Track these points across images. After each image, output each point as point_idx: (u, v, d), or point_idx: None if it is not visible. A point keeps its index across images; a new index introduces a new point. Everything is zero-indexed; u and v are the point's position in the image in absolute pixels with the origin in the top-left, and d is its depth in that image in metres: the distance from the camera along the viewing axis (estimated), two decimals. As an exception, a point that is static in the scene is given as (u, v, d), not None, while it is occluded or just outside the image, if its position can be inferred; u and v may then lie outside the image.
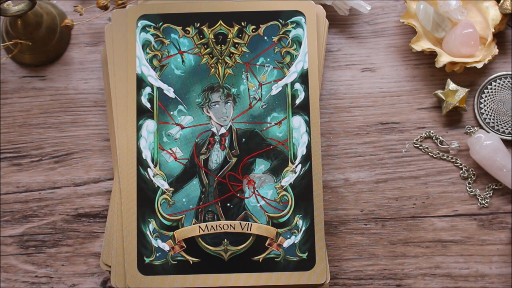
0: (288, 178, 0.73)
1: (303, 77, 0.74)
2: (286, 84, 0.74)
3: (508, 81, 0.79)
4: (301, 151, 0.73)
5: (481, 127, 0.78)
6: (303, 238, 0.72)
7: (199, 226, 0.72)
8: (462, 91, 0.77)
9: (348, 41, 0.81)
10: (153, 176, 0.72)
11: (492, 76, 0.79)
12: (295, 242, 0.72)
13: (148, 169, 0.73)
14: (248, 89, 0.74)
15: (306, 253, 0.71)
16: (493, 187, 0.77)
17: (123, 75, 0.74)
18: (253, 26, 0.75)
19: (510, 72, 0.79)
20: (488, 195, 0.77)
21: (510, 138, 0.78)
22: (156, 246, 0.71)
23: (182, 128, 0.73)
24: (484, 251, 0.76)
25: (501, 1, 0.78)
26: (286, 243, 0.72)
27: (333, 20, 0.81)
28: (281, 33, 0.75)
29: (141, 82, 0.74)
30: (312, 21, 0.75)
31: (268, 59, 0.75)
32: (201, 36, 0.75)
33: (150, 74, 0.74)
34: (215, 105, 0.74)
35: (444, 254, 0.76)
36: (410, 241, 0.76)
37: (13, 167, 0.78)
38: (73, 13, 0.81)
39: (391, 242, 0.76)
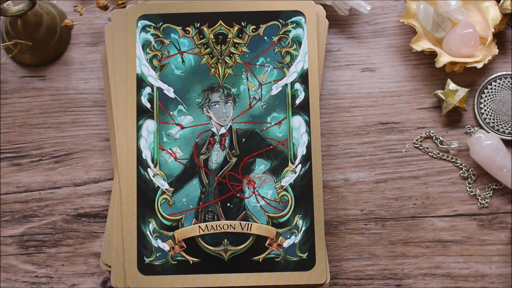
0: (288, 178, 0.73)
1: (303, 77, 0.74)
2: (286, 84, 0.74)
3: (508, 81, 0.79)
4: (301, 151, 0.73)
5: (481, 127, 0.78)
6: (303, 238, 0.72)
7: (199, 226, 0.72)
8: (462, 91, 0.77)
9: (348, 41, 0.81)
10: (153, 176, 0.72)
11: (492, 76, 0.79)
12: (295, 242, 0.72)
13: (148, 169, 0.73)
14: (248, 89, 0.74)
15: (306, 253, 0.71)
16: (493, 187, 0.77)
17: (123, 75, 0.74)
18: (253, 26, 0.75)
19: (510, 72, 0.79)
20: (488, 195, 0.77)
21: (510, 138, 0.78)
22: (156, 246, 0.71)
23: (182, 128, 0.73)
24: (484, 251, 0.76)
25: (501, 1, 0.78)
26: (286, 243, 0.72)
27: (333, 20, 0.81)
28: (281, 33, 0.75)
29: (141, 82, 0.74)
30: (312, 21, 0.75)
31: (268, 59, 0.75)
32: (201, 36, 0.75)
33: (150, 74, 0.74)
34: (215, 105, 0.74)
35: (444, 254, 0.76)
36: (410, 241, 0.76)
37: (13, 167, 0.78)
38: (73, 13, 0.81)
39: (391, 242, 0.77)
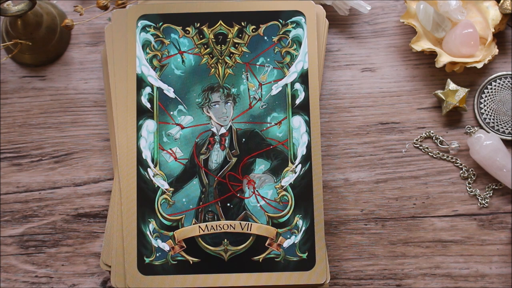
0: (288, 178, 0.73)
1: (303, 77, 0.74)
2: (286, 84, 0.74)
3: (508, 81, 0.79)
4: (301, 151, 0.73)
5: (481, 127, 0.78)
6: (303, 238, 0.72)
7: (199, 226, 0.72)
8: (462, 91, 0.77)
9: (348, 41, 0.81)
10: (153, 176, 0.72)
11: (492, 76, 0.79)
12: (295, 242, 0.72)
13: (148, 169, 0.73)
14: (248, 89, 0.74)
15: (306, 253, 0.71)
16: (493, 187, 0.77)
17: (123, 75, 0.74)
18: (253, 26, 0.75)
19: (510, 72, 0.79)
20: (488, 195, 0.77)
21: (510, 138, 0.78)
22: (156, 246, 0.71)
23: (182, 128, 0.73)
24: (484, 251, 0.76)
25: (501, 1, 0.78)
26: (286, 243, 0.72)
27: (333, 20, 0.81)
28: (281, 33, 0.75)
29: (141, 82, 0.74)
30: (312, 21, 0.75)
31: (268, 59, 0.75)
32: (201, 36, 0.75)
33: (150, 74, 0.74)
34: (215, 105, 0.74)
35: (444, 254, 0.76)
36: (410, 241, 0.76)
37: (13, 167, 0.78)
38: (73, 13, 0.81)
39: (391, 242, 0.76)
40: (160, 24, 0.75)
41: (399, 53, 0.81)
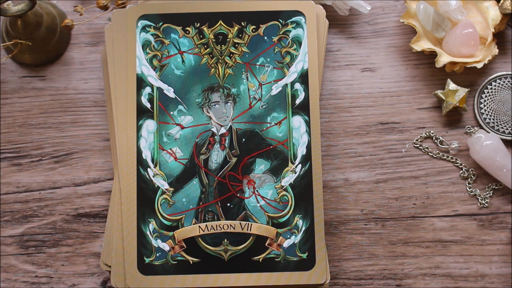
0: (288, 178, 0.73)
1: (303, 77, 0.74)
2: (286, 84, 0.74)
3: (508, 81, 0.79)
4: (301, 151, 0.73)
5: (481, 127, 0.78)
6: (303, 238, 0.72)
7: (199, 226, 0.72)
8: (462, 91, 0.77)
9: (348, 41, 0.81)
10: (153, 176, 0.72)
11: (492, 76, 0.79)
12: (295, 242, 0.72)
13: (148, 169, 0.73)
14: (248, 89, 0.74)
15: (306, 253, 0.71)
16: (493, 187, 0.77)
17: (123, 75, 0.74)
18: (253, 26, 0.75)
19: (510, 72, 0.79)
20: (488, 195, 0.77)
21: (510, 138, 0.78)
22: (156, 246, 0.71)
23: (182, 128, 0.73)
24: (484, 251, 0.76)
25: (501, 1, 0.78)
26: (286, 243, 0.72)
27: (333, 20, 0.81)
28: (281, 33, 0.75)
29: (141, 82, 0.74)
30: (312, 21, 0.75)
31: (268, 59, 0.75)
32: (201, 36, 0.75)
33: (150, 74, 0.74)
34: (215, 105, 0.74)
35: (444, 254, 0.76)
36: (410, 241, 0.76)
37: (13, 167, 0.78)
38: (73, 13, 0.81)
39: (391, 242, 0.76)
40: (160, 24, 0.75)
41: (399, 53, 0.81)
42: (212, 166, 0.73)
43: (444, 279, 0.76)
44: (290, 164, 0.73)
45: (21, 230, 0.77)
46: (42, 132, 0.79)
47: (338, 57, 0.81)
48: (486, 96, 0.79)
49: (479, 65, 0.77)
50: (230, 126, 0.74)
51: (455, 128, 0.79)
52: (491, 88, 0.79)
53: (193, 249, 0.71)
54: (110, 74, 0.74)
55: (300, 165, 0.73)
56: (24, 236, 0.77)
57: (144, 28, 0.75)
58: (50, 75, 0.80)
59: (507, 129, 0.78)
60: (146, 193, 0.72)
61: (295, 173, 0.73)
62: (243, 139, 0.73)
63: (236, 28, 0.75)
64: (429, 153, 0.78)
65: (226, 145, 0.73)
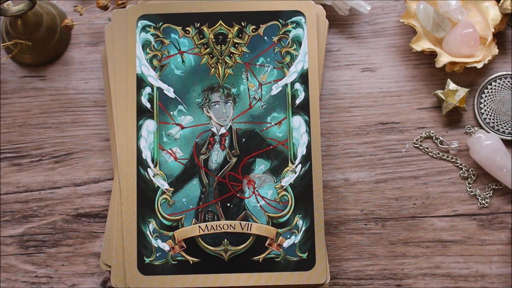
0: (288, 178, 0.73)
1: (303, 77, 0.74)
2: (286, 84, 0.74)
3: (508, 81, 0.79)
4: (301, 151, 0.73)
5: (481, 127, 0.78)
6: (303, 238, 0.72)
7: (199, 226, 0.72)
8: (462, 91, 0.77)
9: (348, 41, 0.81)
10: (153, 176, 0.72)
11: (492, 76, 0.79)
12: (295, 242, 0.72)
13: (148, 169, 0.73)
14: (248, 89, 0.74)
15: (306, 253, 0.71)
16: (493, 187, 0.77)
17: (123, 75, 0.74)
18: (253, 26, 0.75)
19: (510, 72, 0.79)
20: (488, 195, 0.77)
21: (510, 138, 0.78)
22: (156, 246, 0.71)
23: (182, 128, 0.73)
24: (484, 251, 0.76)
25: (501, 1, 0.78)
26: (286, 243, 0.72)
27: (333, 20, 0.81)
28: (281, 33, 0.75)
29: (141, 82, 0.74)
30: (312, 21, 0.75)
31: (268, 59, 0.75)
32: (201, 36, 0.75)
33: (150, 74, 0.74)
34: (215, 105, 0.74)
35: (444, 254, 0.76)
36: (410, 241, 0.76)
37: (13, 167, 0.78)
38: (73, 13, 0.81)
39: (391, 242, 0.76)
40: (160, 24, 0.75)
41: (399, 53, 0.81)
42: (212, 166, 0.73)
43: (444, 279, 0.76)
44: (290, 164, 0.73)
45: (21, 230, 0.77)
46: (42, 132, 0.79)
47: (338, 57, 0.81)
48: (486, 96, 0.79)
49: (479, 65, 0.77)
50: (230, 126, 0.74)
51: (455, 128, 0.79)
52: (491, 88, 0.79)
53: (193, 249, 0.71)
54: (110, 74, 0.74)
55: (300, 165, 0.73)
56: (24, 236, 0.77)
57: (144, 28, 0.75)
58: (50, 75, 0.80)
59: (507, 129, 0.78)
60: (146, 193, 0.72)
61: (295, 173, 0.73)
62: (243, 139, 0.73)
63: (236, 28, 0.75)
64: (429, 153, 0.78)
65: (226, 145, 0.73)
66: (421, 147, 0.78)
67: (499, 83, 0.79)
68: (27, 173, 0.78)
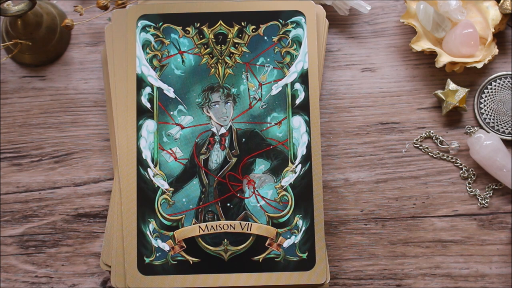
0: (288, 178, 0.73)
1: (303, 77, 0.74)
2: (286, 84, 0.74)
3: (508, 81, 0.79)
4: (301, 151, 0.73)
5: (481, 127, 0.78)
6: (303, 238, 0.72)
7: (199, 226, 0.72)
8: (462, 91, 0.77)
9: (348, 41, 0.81)
10: (153, 176, 0.72)
11: (492, 76, 0.79)
12: (295, 242, 0.72)
13: (148, 169, 0.73)
14: (248, 89, 0.74)
15: (306, 253, 0.71)
16: (493, 187, 0.77)
17: (123, 75, 0.74)
18: (253, 26, 0.75)
19: (510, 72, 0.79)
20: (488, 195, 0.77)
21: (510, 138, 0.78)
22: (156, 246, 0.71)
23: (182, 128, 0.73)
24: (484, 251, 0.76)
25: (501, 1, 0.78)
26: (286, 243, 0.72)
27: (333, 20, 0.81)
28: (281, 33, 0.75)
29: (141, 82, 0.74)
30: (312, 21, 0.75)
31: (268, 59, 0.75)
32: (201, 36, 0.75)
33: (150, 74, 0.74)
34: (215, 105, 0.74)
35: (444, 254, 0.76)
36: (410, 241, 0.76)
37: (13, 167, 0.78)
38: (73, 13, 0.81)
39: (391, 242, 0.77)
40: (160, 24, 0.75)
41: (399, 53, 0.81)
42: (212, 166, 0.73)
43: (444, 279, 0.76)
44: (290, 164, 0.73)
45: (21, 230, 0.77)
46: (42, 132, 0.79)
47: (338, 57, 0.81)
48: (486, 96, 0.79)
49: (479, 65, 0.77)
50: (230, 126, 0.74)
51: (455, 128, 0.79)
52: (491, 88, 0.79)
53: (193, 249, 0.71)
54: (110, 74, 0.74)
55: (300, 165, 0.73)
56: (24, 236, 0.77)
57: (144, 28, 0.75)
58: (50, 75, 0.80)
59: (507, 129, 0.78)
60: (146, 193, 0.72)
61: (295, 173, 0.73)
62: (243, 139, 0.73)
63: (236, 28, 0.75)
64: (429, 153, 0.78)
65: (226, 145, 0.73)
66: (421, 147, 0.78)
67: (499, 83, 0.79)
68: (27, 173, 0.78)
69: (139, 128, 0.73)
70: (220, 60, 0.75)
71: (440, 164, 0.78)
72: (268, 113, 0.74)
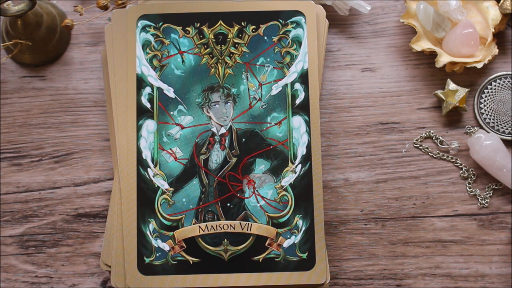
0: (288, 178, 0.73)
1: (303, 77, 0.74)
2: (286, 84, 0.74)
3: (508, 81, 0.79)
4: (301, 151, 0.73)
5: (481, 127, 0.78)
6: (303, 238, 0.72)
7: (199, 226, 0.72)
8: (462, 91, 0.77)
9: (348, 41, 0.81)
10: (153, 176, 0.72)
11: (492, 76, 0.79)
12: (295, 242, 0.72)
13: (148, 169, 0.73)
14: (248, 89, 0.74)
15: (306, 253, 0.71)
16: (493, 187, 0.77)
17: (123, 75, 0.74)
18: (253, 26, 0.75)
19: (510, 72, 0.79)
20: (488, 195, 0.77)
21: (510, 138, 0.78)
22: (156, 246, 0.71)
23: (182, 128, 0.73)
24: (484, 251, 0.76)
25: (501, 1, 0.78)
26: (286, 243, 0.72)
27: (333, 20, 0.81)
28: (281, 33, 0.75)
29: (141, 82, 0.74)
30: (312, 21, 0.75)
31: (268, 59, 0.75)
32: (201, 36, 0.75)
33: (150, 74, 0.74)
34: (215, 105, 0.74)
35: (444, 254, 0.76)
36: (410, 241, 0.76)
37: (13, 167, 0.78)
38: (73, 13, 0.81)
39: (391, 242, 0.77)
40: (160, 24, 0.75)
41: (399, 53, 0.81)
42: (212, 166, 0.73)
43: (444, 279, 0.76)
44: (290, 164, 0.73)
45: (21, 230, 0.77)
46: (42, 132, 0.79)
47: (338, 57, 0.81)
48: (486, 96, 0.79)
49: (479, 65, 0.77)
50: (230, 126, 0.74)
51: (455, 128, 0.79)
52: (491, 88, 0.79)
53: (193, 249, 0.71)
54: (110, 74, 0.74)
55: (300, 165, 0.73)
56: (24, 236, 0.77)
57: (144, 28, 0.75)
58: (50, 75, 0.80)
59: (507, 129, 0.78)
60: (146, 193, 0.72)
61: (295, 173, 0.73)
62: (243, 139, 0.73)
63: (236, 28, 0.75)
64: (429, 153, 0.78)
65: (226, 145, 0.73)
66: (421, 147, 0.78)
67: (499, 83, 0.79)
68: (27, 173, 0.78)
69: (139, 128, 0.73)
70: (220, 60, 0.75)
71: (440, 164, 0.78)
72: (268, 113, 0.74)
